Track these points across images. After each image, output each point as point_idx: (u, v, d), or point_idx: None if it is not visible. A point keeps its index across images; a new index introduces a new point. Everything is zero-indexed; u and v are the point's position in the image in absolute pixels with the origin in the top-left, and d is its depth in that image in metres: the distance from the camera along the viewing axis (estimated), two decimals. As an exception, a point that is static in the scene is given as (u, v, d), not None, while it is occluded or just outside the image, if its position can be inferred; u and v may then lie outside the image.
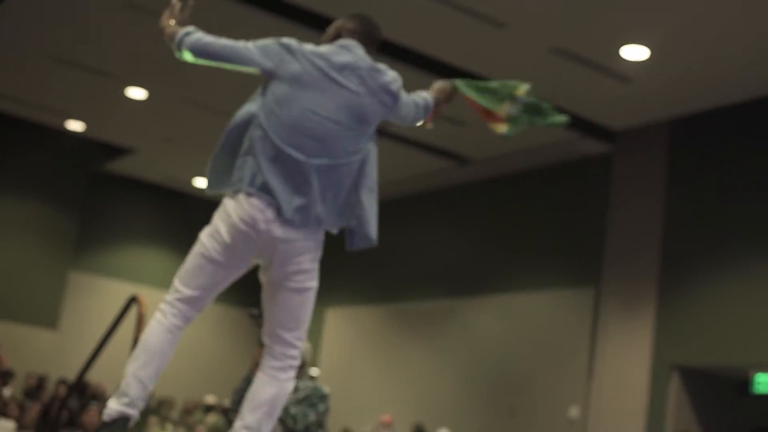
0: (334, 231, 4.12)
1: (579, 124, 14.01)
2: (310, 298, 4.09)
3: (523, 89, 4.51)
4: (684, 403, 13.07)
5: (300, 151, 3.82)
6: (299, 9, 11.83)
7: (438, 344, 17.29)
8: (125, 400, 3.80)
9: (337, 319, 20.09)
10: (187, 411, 16.37)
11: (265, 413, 3.90)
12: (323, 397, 6.26)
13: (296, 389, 6.11)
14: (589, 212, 14.92)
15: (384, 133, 15.64)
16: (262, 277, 4.09)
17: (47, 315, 17.69)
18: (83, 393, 13.95)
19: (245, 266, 4.07)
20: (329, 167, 3.90)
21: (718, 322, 12.58)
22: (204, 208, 21.83)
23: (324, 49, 4.01)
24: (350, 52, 4.04)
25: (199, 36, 3.96)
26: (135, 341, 6.02)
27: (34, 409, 12.35)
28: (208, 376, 20.26)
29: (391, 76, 4.18)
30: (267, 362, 4.00)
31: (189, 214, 19.94)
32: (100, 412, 8.89)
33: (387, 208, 19.97)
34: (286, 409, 5.92)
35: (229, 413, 6.30)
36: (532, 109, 4.52)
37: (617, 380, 13.59)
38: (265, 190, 3.80)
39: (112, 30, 13.43)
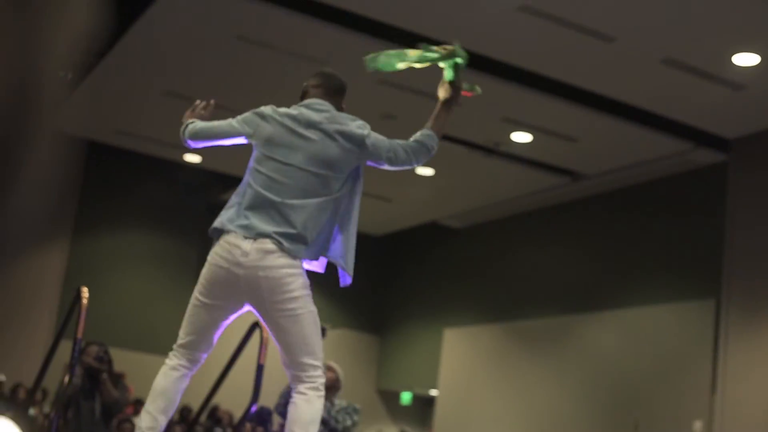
0: (317, 264, 4.48)
1: (692, 134, 13.85)
2: (311, 322, 4.30)
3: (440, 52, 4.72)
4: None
5: (276, 194, 4.29)
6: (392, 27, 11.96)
7: (556, 361, 17.20)
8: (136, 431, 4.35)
9: (455, 338, 20.12)
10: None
11: (308, 427, 4.17)
12: (357, 411, 7.15)
13: (334, 404, 6.97)
14: (706, 223, 14.72)
15: (496, 152, 15.68)
16: (260, 317, 4.38)
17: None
18: (212, 418, 14.26)
19: (233, 306, 4.35)
20: (303, 205, 4.28)
21: None
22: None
23: (293, 110, 4.58)
24: (314, 110, 4.57)
25: (196, 123, 4.69)
26: (258, 368, 6.23)
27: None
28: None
29: (354, 125, 4.62)
30: (297, 387, 4.27)
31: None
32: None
33: (503, 225, 20.06)
34: (329, 414, 6.66)
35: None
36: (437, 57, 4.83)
37: (741, 394, 13.34)
38: (242, 227, 4.21)
39: (223, 63, 13.76)
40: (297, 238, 4.25)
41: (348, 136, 4.54)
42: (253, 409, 5.82)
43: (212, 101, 4.92)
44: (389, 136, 15.16)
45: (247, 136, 4.55)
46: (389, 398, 22.33)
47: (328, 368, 7.03)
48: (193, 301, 4.38)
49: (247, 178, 4.44)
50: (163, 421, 4.37)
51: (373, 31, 12.07)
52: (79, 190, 18.91)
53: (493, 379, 18.77)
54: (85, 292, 5.83)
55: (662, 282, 15.37)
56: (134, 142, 18.30)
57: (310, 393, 4.21)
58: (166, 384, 4.38)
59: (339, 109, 4.68)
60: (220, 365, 7.05)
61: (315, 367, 4.26)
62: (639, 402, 15.17)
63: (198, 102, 4.92)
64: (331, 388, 6.90)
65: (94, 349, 7.07)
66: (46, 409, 13.78)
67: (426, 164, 16.80)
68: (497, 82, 12.85)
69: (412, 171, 17.31)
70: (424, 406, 22.09)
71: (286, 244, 4.21)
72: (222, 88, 14.83)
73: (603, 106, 13.44)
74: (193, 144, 4.68)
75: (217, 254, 4.25)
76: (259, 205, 4.27)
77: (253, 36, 12.56)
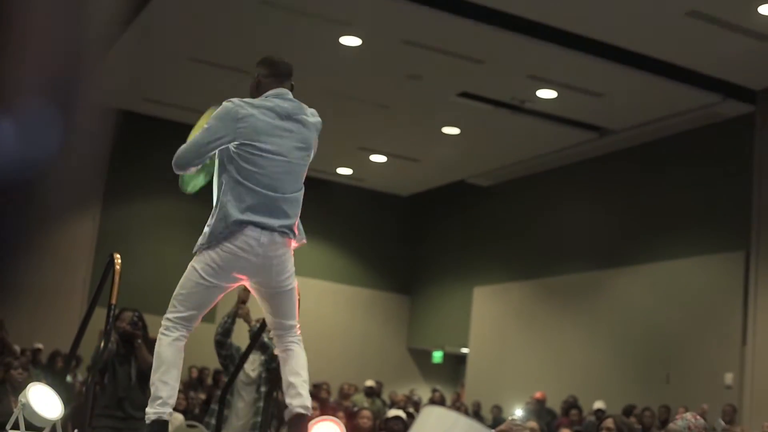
0: (300, 239, 4.88)
1: (719, 85, 13.77)
2: (295, 295, 4.93)
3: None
4: None
5: (274, 190, 4.71)
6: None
7: (587, 317, 17.23)
8: (158, 401, 4.63)
9: (484, 296, 20.18)
10: (344, 395, 16.67)
11: (305, 368, 4.88)
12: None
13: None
14: (734, 175, 14.66)
15: (522, 110, 15.65)
16: (254, 289, 4.90)
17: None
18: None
19: (231, 286, 4.87)
20: (296, 198, 4.81)
21: None
22: (346, 193, 21.99)
23: (268, 102, 4.81)
24: (287, 100, 4.86)
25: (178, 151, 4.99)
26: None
27: (198, 400, 12.83)
28: (360, 360, 20.62)
29: (310, 111, 4.95)
30: (289, 340, 4.91)
31: (333, 201, 20.31)
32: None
33: (530, 182, 20.03)
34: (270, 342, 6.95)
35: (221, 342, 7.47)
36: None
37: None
38: (252, 223, 4.65)
39: (248, 27, 13.77)
40: (293, 227, 4.79)
41: (314, 124, 4.92)
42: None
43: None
44: (415, 96, 15.12)
45: (230, 138, 4.73)
46: (421, 357, 22.44)
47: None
48: (197, 280, 4.73)
49: (235, 175, 4.70)
50: (176, 389, 4.75)
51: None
52: (108, 158, 19.01)
53: (524, 336, 18.82)
54: (117, 258, 5.90)
55: (691, 235, 15.34)
56: (161, 109, 18.38)
57: (300, 344, 4.91)
58: (176, 355, 4.73)
59: (291, 89, 4.97)
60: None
61: (297, 326, 4.94)
62: (670, 355, 15.19)
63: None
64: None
65: (128, 315, 7.18)
66: (81, 376, 13.97)
67: (452, 123, 16.85)
68: (521, 39, 12.82)
69: (439, 130, 17.31)
70: (456, 364, 22.19)
71: (288, 233, 4.75)
72: (246, 53, 14.85)
73: (628, 60, 13.38)
74: (186, 171, 5.00)
75: (233, 245, 4.67)
76: (262, 202, 4.68)
77: (277, 0, 12.56)
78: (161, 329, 4.78)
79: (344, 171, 20.62)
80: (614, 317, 16.59)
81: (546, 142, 17.24)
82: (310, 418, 4.83)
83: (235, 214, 4.66)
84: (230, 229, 4.66)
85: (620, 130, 16.23)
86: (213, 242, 4.70)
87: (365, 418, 9.36)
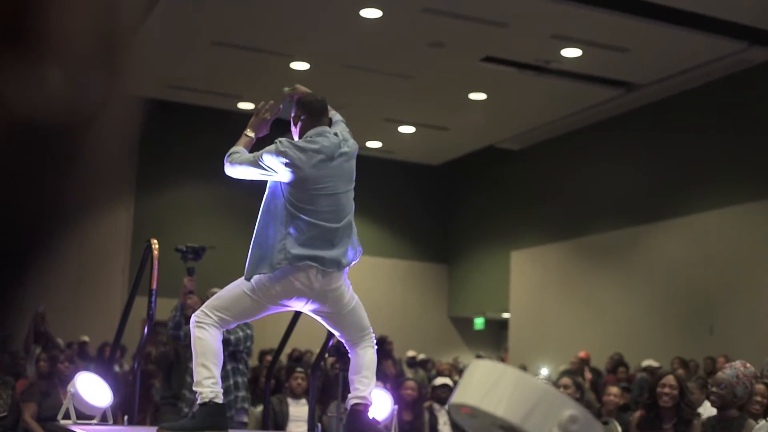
0: (356, 259, 5.12)
1: (745, 32, 13.62)
2: (359, 307, 5.13)
3: None
4: None
5: (328, 222, 4.89)
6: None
7: (626, 274, 17.18)
8: (210, 380, 4.78)
9: (522, 260, 20.16)
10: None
11: (365, 367, 5.08)
12: (249, 325, 7.32)
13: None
14: (766, 121, 14.53)
15: (547, 71, 15.56)
16: (312, 313, 5.07)
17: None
18: (291, 358, 14.47)
19: (278, 310, 5.05)
20: (347, 224, 5.04)
21: None
22: (377, 167, 21.96)
23: (311, 146, 4.94)
24: (327, 137, 5.02)
25: (241, 154, 5.03)
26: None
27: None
28: (403, 331, 20.67)
29: (346, 137, 5.21)
30: (357, 348, 5.11)
31: (364, 175, 20.27)
32: (306, 376, 9.27)
33: (560, 143, 19.99)
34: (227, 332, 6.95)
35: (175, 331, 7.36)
36: None
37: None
38: (311, 258, 4.80)
39: (268, 6, 13.75)
40: (348, 256, 5.04)
41: (353, 151, 5.22)
42: (330, 343, 5.97)
43: (271, 102, 5.21)
44: (439, 64, 15.06)
45: (279, 177, 4.90)
46: (462, 325, 22.48)
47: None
48: (248, 293, 4.84)
49: (291, 209, 4.85)
50: (217, 371, 4.88)
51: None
52: (137, 147, 19.10)
53: (564, 297, 18.80)
54: (155, 243, 5.97)
55: (725, 185, 15.23)
56: (186, 95, 18.42)
57: (368, 348, 5.11)
58: (217, 344, 4.86)
59: (329, 123, 5.21)
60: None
61: (367, 333, 5.15)
62: (712, 306, 15.13)
63: (261, 105, 5.23)
64: None
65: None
66: (128, 365, 14.09)
67: (478, 89, 16.79)
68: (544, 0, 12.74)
69: (465, 96, 17.25)
70: (498, 329, 22.22)
71: (343, 262, 4.98)
72: (268, 33, 14.85)
73: (652, 13, 13.25)
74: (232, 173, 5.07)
75: (291, 279, 4.81)
76: (320, 234, 4.87)
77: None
78: (197, 320, 4.89)
79: (373, 144, 20.61)
80: (653, 272, 16.53)
81: (573, 102, 17.15)
82: (367, 408, 4.99)
83: (295, 248, 4.80)
84: (290, 263, 4.78)
85: (647, 85, 16.11)
86: (270, 272, 4.81)
87: (410, 389, 9.40)
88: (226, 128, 18.77)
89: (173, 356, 7.89)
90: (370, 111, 17.97)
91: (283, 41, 15.11)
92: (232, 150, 5.04)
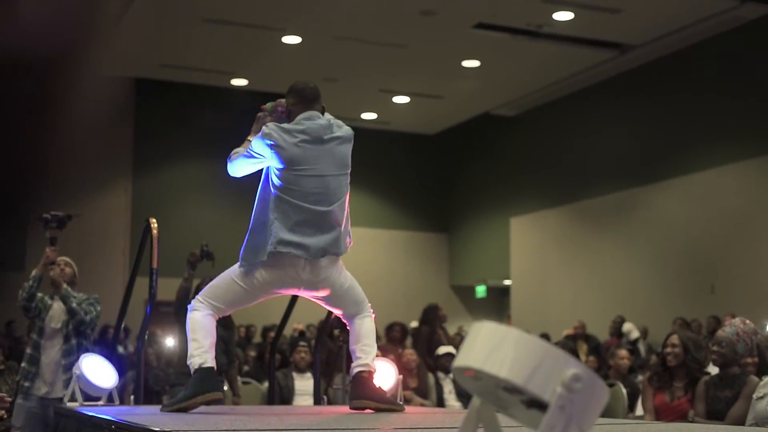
0: (346, 248, 5.06)
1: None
2: (354, 285, 5.15)
3: None
4: None
5: (315, 204, 4.88)
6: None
7: (626, 235, 17.19)
8: (200, 350, 4.88)
9: (521, 226, 20.16)
10: (392, 338, 16.75)
11: (365, 336, 5.18)
12: (97, 301, 7.33)
13: (76, 296, 7.15)
14: (759, 77, 14.50)
15: (540, 35, 15.51)
16: (310, 298, 5.13)
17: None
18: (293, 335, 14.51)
19: (271, 297, 5.11)
20: (337, 209, 4.97)
21: None
22: (373, 138, 21.93)
23: (297, 127, 4.98)
24: (315, 121, 5.03)
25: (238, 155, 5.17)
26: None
27: (248, 355, 12.96)
28: (405, 302, 20.69)
29: (339, 123, 5.17)
30: (361, 316, 5.18)
31: (360, 147, 20.23)
32: (310, 349, 9.33)
33: (555, 108, 19.95)
34: (79, 305, 7.05)
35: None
36: None
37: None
38: (299, 245, 4.83)
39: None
40: (338, 242, 4.98)
41: (345, 134, 5.16)
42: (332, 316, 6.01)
43: (282, 101, 5.22)
44: (431, 32, 15.03)
45: (269, 162, 4.98)
46: (464, 293, 22.51)
47: (66, 264, 7.20)
48: (238, 282, 4.94)
49: (280, 193, 4.89)
50: (209, 343, 4.97)
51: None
52: (132, 128, 19.08)
53: (565, 261, 18.82)
54: (153, 222, 5.98)
55: (722, 143, 15.22)
56: (179, 74, 18.36)
57: (366, 318, 5.18)
58: (206, 321, 4.96)
59: (323, 111, 5.17)
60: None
61: (364, 307, 5.18)
62: (713, 265, 15.15)
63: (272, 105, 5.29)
64: (71, 283, 7.19)
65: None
66: (132, 346, 14.11)
67: (471, 56, 16.74)
68: None
69: (458, 64, 17.21)
70: (500, 296, 22.26)
71: (333, 252, 4.96)
72: (260, 10, 14.79)
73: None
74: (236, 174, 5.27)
75: (280, 267, 4.87)
76: (308, 219, 4.88)
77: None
78: (192, 307, 5.00)
79: (368, 116, 20.57)
80: (653, 233, 16.54)
81: (567, 66, 17.11)
82: (371, 375, 5.09)
83: (282, 232, 4.83)
84: (276, 248, 4.82)
85: (640, 45, 16.07)
86: (261, 259, 4.88)
87: (409, 356, 9.64)
88: (220, 105, 18.85)
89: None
90: (364, 82, 17.92)
91: (273, 15, 15.05)
92: (232, 152, 5.18)
